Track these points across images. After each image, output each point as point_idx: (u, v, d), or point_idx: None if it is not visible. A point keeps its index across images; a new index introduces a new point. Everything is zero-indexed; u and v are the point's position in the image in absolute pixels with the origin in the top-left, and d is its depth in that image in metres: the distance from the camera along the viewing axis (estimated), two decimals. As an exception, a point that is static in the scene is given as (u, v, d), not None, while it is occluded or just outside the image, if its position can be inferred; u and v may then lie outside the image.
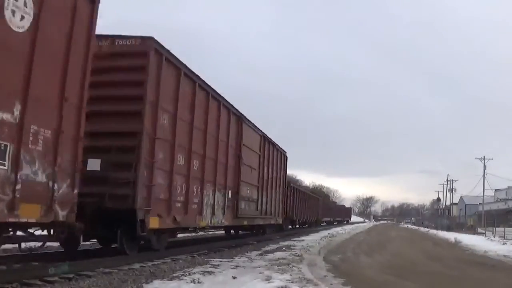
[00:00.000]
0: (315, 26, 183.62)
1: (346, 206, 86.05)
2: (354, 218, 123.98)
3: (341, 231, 33.87)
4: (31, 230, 6.82)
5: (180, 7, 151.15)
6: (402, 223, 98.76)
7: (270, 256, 11.93)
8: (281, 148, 20.77)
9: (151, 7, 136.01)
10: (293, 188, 26.55)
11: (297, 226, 31.90)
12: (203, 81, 11.06)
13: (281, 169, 20.81)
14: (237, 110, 14.02)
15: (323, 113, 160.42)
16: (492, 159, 53.64)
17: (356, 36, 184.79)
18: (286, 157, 22.21)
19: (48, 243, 12.01)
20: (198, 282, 7.12)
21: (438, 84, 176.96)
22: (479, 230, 38.18)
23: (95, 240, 10.25)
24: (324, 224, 46.70)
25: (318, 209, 37.92)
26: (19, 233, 6.65)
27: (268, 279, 7.57)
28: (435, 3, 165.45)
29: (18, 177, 5.54)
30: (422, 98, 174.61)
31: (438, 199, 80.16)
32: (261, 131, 17.06)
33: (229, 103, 13.20)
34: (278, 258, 11.35)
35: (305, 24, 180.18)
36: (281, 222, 21.57)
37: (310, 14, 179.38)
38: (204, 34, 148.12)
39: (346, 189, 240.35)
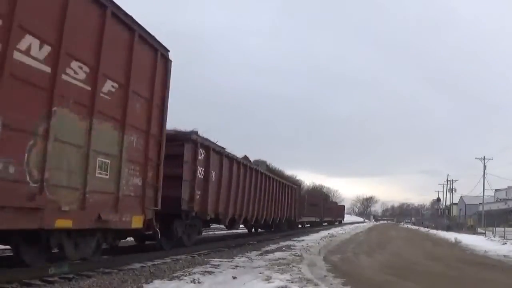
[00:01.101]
0: (317, 25, 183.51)
1: (338, 204, 72.91)
2: (353, 218, 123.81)
3: (341, 231, 33.87)
4: None
5: (181, 5, 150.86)
6: (402, 223, 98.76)
7: (270, 256, 11.93)
8: (144, 33, 8.34)
9: (151, 6, 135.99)
10: (212, 150, 12.77)
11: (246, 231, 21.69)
12: None
13: (143, 87, 8.34)
14: None
15: (324, 113, 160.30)
16: (492, 159, 53.65)
17: (359, 36, 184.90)
18: (166, 59, 9.19)
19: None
20: (198, 282, 7.13)
21: (438, 84, 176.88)
22: (479, 230, 38.18)
23: None
24: (308, 226, 36.84)
25: (290, 204, 24.95)
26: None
27: (268, 279, 7.57)
28: (438, 3, 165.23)
29: None
30: (423, 98, 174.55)
31: (438, 199, 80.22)
32: None
33: None
34: (278, 258, 11.35)
35: (307, 23, 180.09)
36: (140, 225, 8.34)
37: (313, 13, 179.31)
38: (206, 32, 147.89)
39: (347, 189, 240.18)
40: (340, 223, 60.55)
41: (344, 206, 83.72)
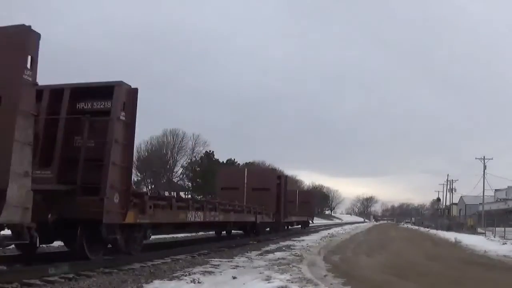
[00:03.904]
0: (320, 24, 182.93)
1: (297, 190, 41.11)
2: (353, 218, 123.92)
3: (341, 231, 33.97)
4: None
5: (183, 5, 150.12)
6: (402, 223, 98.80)
7: (270, 256, 11.94)
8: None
9: (153, 7, 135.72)
10: None
11: None
12: None
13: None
14: None
15: (326, 112, 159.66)
16: (492, 159, 53.34)
17: (362, 36, 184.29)
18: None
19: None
20: (198, 282, 7.13)
21: (440, 83, 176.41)
22: (479, 230, 38.17)
23: None
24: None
25: None
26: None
27: (268, 279, 7.58)
28: (443, 3, 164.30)
29: None
30: (425, 97, 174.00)
31: (438, 199, 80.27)
32: None
33: None
34: (278, 258, 11.36)
35: (311, 23, 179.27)
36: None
37: (315, 12, 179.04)
38: (208, 31, 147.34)
39: (347, 189, 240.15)
40: (305, 226, 33.83)
41: (312, 193, 48.10)
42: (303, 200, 35.06)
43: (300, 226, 33.26)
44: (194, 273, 8.02)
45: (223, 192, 20.45)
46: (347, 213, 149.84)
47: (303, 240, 20.28)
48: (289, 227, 29.64)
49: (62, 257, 8.83)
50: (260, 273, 8.33)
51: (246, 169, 22.51)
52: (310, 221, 36.98)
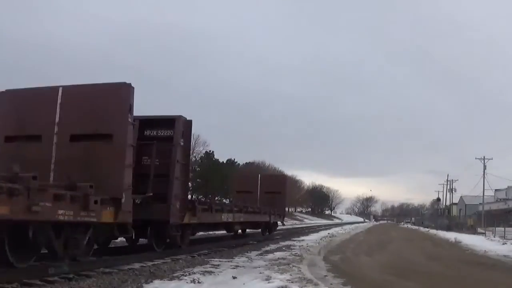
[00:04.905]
0: (321, 25, 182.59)
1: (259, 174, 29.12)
2: (353, 218, 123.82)
3: (341, 231, 33.96)
4: None
5: (189, 5, 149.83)
6: (402, 223, 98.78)
7: (270, 256, 11.94)
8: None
9: (160, 8, 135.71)
10: None
11: None
12: None
13: None
14: None
15: (326, 112, 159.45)
16: (492, 159, 53.34)
17: (361, 35, 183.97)
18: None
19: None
20: (198, 282, 7.14)
21: (442, 83, 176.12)
22: (479, 230, 38.17)
23: None
24: None
25: None
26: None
27: (268, 279, 7.58)
28: (447, 5, 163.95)
29: None
30: (427, 97, 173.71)
31: (438, 199, 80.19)
32: None
33: None
34: (278, 258, 11.36)
35: (313, 23, 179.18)
36: None
37: (318, 13, 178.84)
38: (210, 30, 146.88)
39: (347, 189, 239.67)
40: (270, 232, 21.62)
41: (282, 179, 27.52)
42: (270, 190, 22.60)
43: (260, 230, 20.58)
44: (194, 273, 8.03)
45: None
46: (347, 213, 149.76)
47: (303, 240, 20.28)
48: (237, 234, 17.79)
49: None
50: (260, 273, 8.33)
51: (61, 89, 8.75)
52: (279, 222, 23.08)
